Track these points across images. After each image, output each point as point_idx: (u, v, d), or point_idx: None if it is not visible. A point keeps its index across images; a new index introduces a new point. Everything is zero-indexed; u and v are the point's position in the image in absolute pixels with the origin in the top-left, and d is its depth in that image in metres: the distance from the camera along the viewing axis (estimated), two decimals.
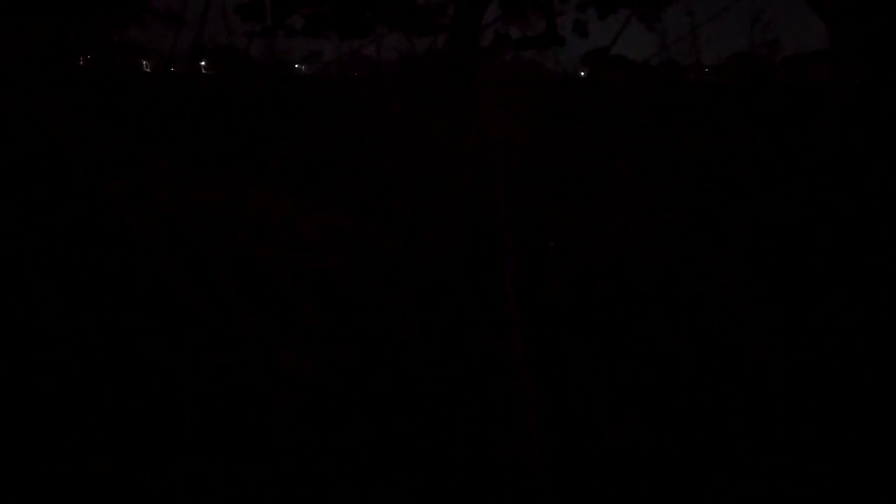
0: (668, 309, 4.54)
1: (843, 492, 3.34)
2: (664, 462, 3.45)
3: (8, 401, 3.66)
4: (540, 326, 4.26)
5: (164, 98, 12.07)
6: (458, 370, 3.98)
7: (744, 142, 7.82)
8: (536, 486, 3.22)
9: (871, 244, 6.04)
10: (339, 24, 17.13)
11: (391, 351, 4.08)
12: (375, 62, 18.72)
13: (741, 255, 5.03)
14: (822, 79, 13.26)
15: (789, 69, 15.90)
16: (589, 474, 3.43)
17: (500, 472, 3.40)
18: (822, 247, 5.58)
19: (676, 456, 3.50)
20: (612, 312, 4.50)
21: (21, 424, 3.53)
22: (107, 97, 11.43)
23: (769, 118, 10.04)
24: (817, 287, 4.95)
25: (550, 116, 8.92)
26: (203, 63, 20.90)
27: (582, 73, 19.31)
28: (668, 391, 3.89)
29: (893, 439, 3.59)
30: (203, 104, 12.12)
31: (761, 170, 6.95)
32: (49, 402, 3.71)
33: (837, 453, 3.52)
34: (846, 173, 7.98)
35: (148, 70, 19.51)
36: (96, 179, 5.12)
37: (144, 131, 7.76)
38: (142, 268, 4.62)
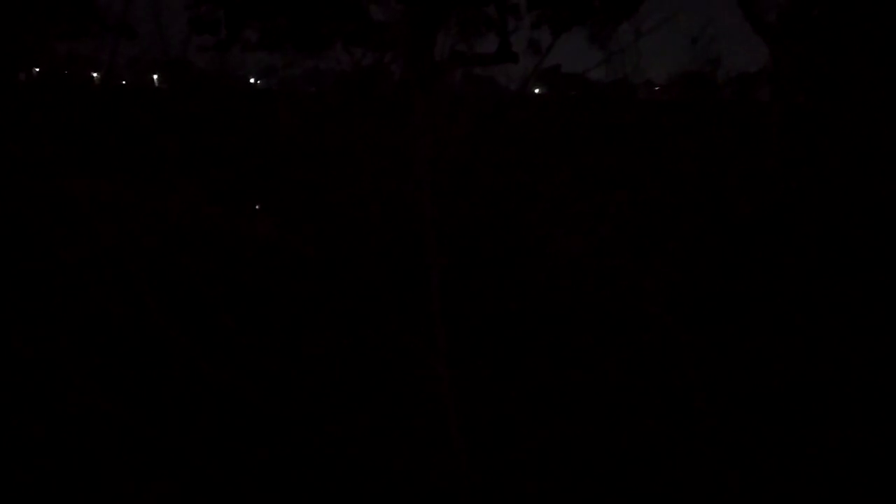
0: (597, 320, 4.59)
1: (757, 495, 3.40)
2: (583, 471, 3.48)
3: None
4: (467, 337, 4.27)
5: (110, 110, 11.89)
6: (382, 381, 3.96)
7: (685, 159, 7.96)
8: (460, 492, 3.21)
9: (804, 260, 6.19)
10: (294, 38, 17.05)
11: (314, 361, 4.05)
12: (333, 76, 18.68)
13: (673, 270, 5.11)
14: (765, 99, 13.61)
15: (733, 88, 16.30)
16: (509, 480, 3.43)
17: (426, 483, 3.37)
18: (754, 263, 5.71)
19: (595, 464, 3.53)
20: (540, 324, 4.53)
21: None
22: (50, 109, 11.22)
23: (712, 136, 10.25)
24: (745, 301, 5.06)
25: (498, 132, 9.00)
26: (155, 76, 20.63)
27: (536, 90, 19.56)
28: (591, 400, 3.93)
29: (809, 445, 3.67)
30: (150, 117, 11.96)
31: (701, 187, 7.10)
32: None
33: (753, 457, 3.58)
34: (784, 190, 8.18)
35: (97, 83, 19.16)
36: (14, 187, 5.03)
37: (75, 142, 7.64)
38: (63, 280, 4.54)
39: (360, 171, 6.85)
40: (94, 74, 20.63)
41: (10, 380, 3.87)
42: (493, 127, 8.46)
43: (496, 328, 4.79)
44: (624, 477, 3.50)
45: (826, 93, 11.79)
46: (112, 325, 4.49)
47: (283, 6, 15.84)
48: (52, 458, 3.43)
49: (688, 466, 3.53)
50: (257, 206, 6.51)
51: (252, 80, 21.59)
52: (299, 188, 7.27)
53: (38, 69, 17.97)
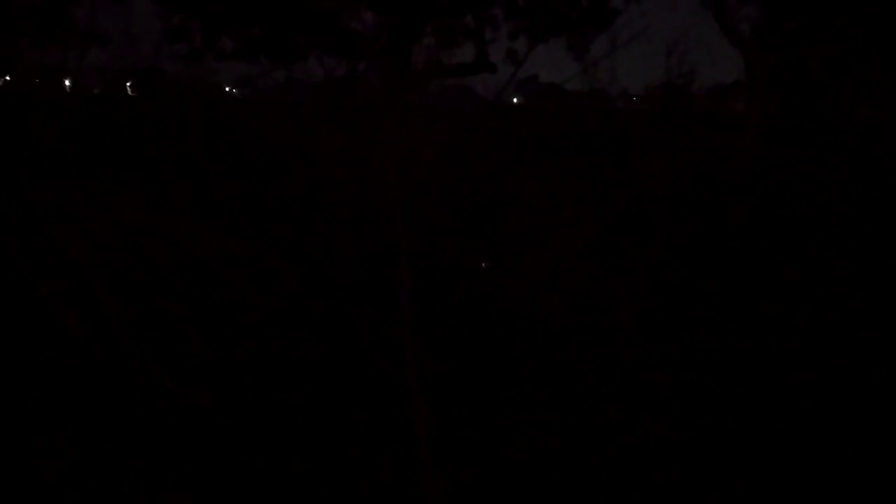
0: (569, 334, 4.53)
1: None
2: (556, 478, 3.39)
3: None
4: (439, 349, 4.18)
5: (80, 119, 11.68)
6: (351, 397, 3.85)
7: (660, 170, 7.95)
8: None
9: (774, 273, 6.18)
10: (269, 48, 16.90)
11: (283, 379, 3.94)
12: (310, 86, 18.57)
13: (645, 284, 5.07)
14: (739, 110, 13.69)
15: (709, 99, 16.39)
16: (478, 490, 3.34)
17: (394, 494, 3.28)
18: (723, 276, 5.69)
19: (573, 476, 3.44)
20: (513, 335, 4.46)
21: None
22: (21, 118, 11.02)
23: (687, 146, 10.28)
24: (717, 309, 5.03)
25: (473, 142, 8.94)
26: (129, 84, 20.38)
27: (514, 100, 19.54)
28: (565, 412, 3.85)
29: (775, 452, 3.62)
30: (121, 126, 11.77)
31: (674, 199, 7.08)
32: None
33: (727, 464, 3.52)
34: (758, 202, 8.19)
35: (69, 91, 18.90)
36: None
37: (42, 150, 7.49)
38: (21, 292, 4.39)
39: (332, 183, 6.76)
40: (67, 83, 20.36)
41: None
42: (468, 137, 8.40)
43: (468, 339, 4.70)
44: (597, 483, 3.42)
45: (801, 103, 11.87)
46: (70, 340, 4.34)
47: (257, 16, 15.70)
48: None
49: (660, 471, 3.46)
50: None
51: (227, 89, 21.40)
52: (270, 200, 7.15)
53: (7, 78, 17.70)
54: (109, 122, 12.19)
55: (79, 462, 3.47)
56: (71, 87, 18.39)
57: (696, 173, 8.94)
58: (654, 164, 8.29)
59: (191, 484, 3.31)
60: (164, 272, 4.83)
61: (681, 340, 4.46)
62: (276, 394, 4.10)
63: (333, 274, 5.30)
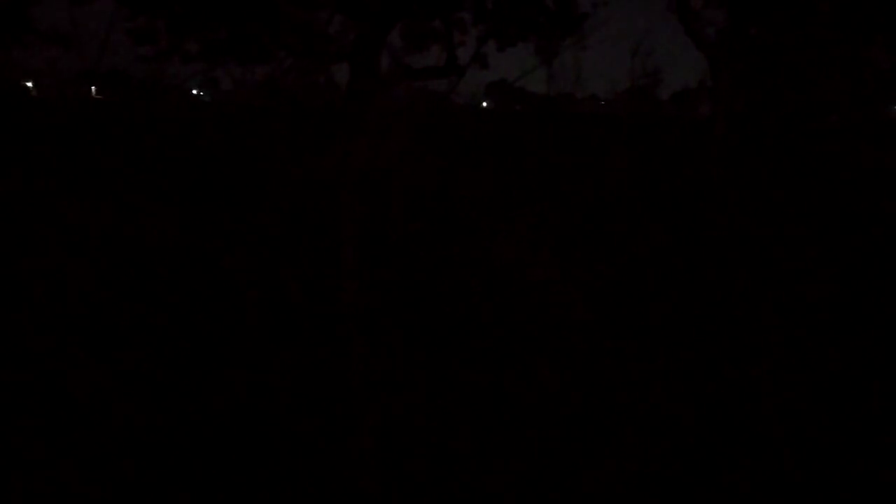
0: (526, 324, 4.51)
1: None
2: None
3: None
4: (386, 347, 4.14)
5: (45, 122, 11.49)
6: (296, 393, 3.81)
7: (626, 172, 7.99)
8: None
9: (739, 271, 6.24)
10: (235, 50, 16.72)
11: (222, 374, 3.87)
12: (276, 88, 18.43)
13: (607, 279, 5.08)
14: (704, 113, 13.86)
15: (676, 103, 16.54)
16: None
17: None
18: (686, 273, 5.72)
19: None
20: (471, 328, 4.43)
21: None
22: None
23: (653, 148, 10.36)
24: (675, 310, 5.05)
25: (440, 144, 8.92)
26: (94, 87, 20.03)
27: (484, 104, 19.54)
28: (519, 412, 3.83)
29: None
30: (84, 127, 11.58)
31: (639, 199, 7.11)
32: None
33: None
34: (723, 202, 8.26)
35: (34, 93, 18.56)
36: None
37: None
38: None
39: (290, 182, 6.69)
40: (29, 84, 19.98)
41: None
42: (433, 139, 8.37)
43: (426, 332, 4.68)
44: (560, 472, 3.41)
45: (763, 106, 12.05)
46: None
47: (224, 17, 15.54)
48: None
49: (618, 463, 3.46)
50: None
51: (194, 92, 21.16)
52: (228, 197, 7.07)
53: None
54: (75, 126, 11.99)
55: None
56: (33, 89, 18.06)
57: (658, 173, 9.01)
58: (615, 163, 8.34)
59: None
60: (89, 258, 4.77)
61: (638, 331, 4.48)
62: (217, 394, 4.05)
63: (284, 268, 5.25)
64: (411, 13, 15.66)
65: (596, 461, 3.54)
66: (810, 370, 4.33)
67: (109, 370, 3.84)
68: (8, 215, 6.36)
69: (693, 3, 13.24)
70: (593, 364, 4.23)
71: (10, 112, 12.84)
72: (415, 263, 5.79)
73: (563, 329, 4.67)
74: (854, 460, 3.63)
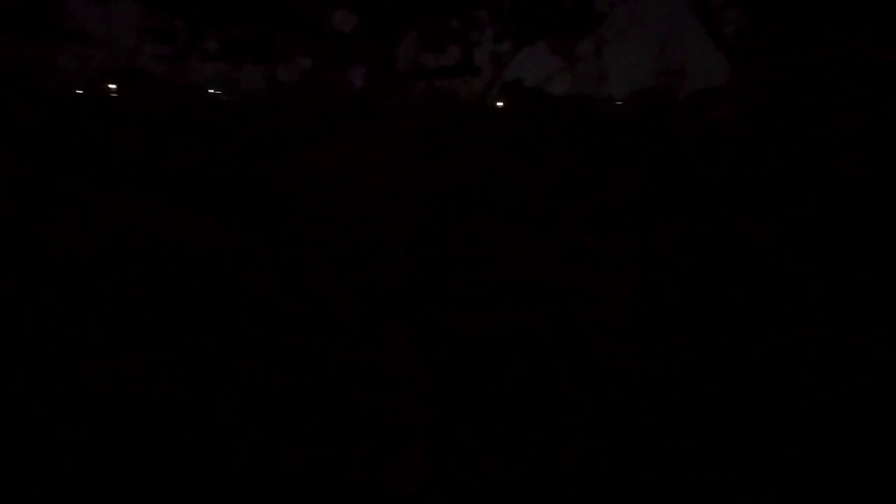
0: (561, 331, 4.49)
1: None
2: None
3: None
4: (435, 348, 4.14)
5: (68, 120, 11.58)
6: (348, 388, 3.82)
7: (644, 171, 7.94)
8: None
9: (764, 269, 6.18)
10: (252, 48, 16.80)
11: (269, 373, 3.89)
12: (292, 87, 18.51)
13: (638, 279, 5.06)
14: (722, 114, 13.78)
15: (693, 104, 16.47)
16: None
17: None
18: (714, 272, 5.68)
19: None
20: (505, 337, 4.42)
21: None
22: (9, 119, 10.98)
23: (671, 149, 10.28)
24: (705, 308, 5.01)
25: (461, 144, 8.89)
26: (112, 86, 20.20)
27: (499, 104, 19.49)
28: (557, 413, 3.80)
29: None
30: (107, 125, 11.66)
31: (659, 199, 7.06)
32: None
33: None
34: (740, 203, 8.19)
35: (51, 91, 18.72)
36: None
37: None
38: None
39: (318, 183, 6.71)
40: (47, 83, 20.17)
41: None
42: (451, 140, 8.35)
43: (462, 339, 4.67)
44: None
45: (783, 108, 11.93)
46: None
47: (241, 16, 15.60)
48: None
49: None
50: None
51: (210, 91, 21.25)
52: (255, 198, 7.10)
53: None
54: (93, 124, 12.05)
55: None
56: (53, 87, 18.22)
57: (676, 174, 8.93)
58: (632, 163, 8.29)
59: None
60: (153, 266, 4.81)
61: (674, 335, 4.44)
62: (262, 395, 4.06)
63: (324, 272, 5.27)
64: (427, 12, 15.66)
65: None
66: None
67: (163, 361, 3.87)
68: (36, 211, 6.42)
69: (713, 2, 13.15)
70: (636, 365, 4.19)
71: (32, 110, 12.93)
72: (427, 263, 5.77)
73: (586, 333, 4.64)
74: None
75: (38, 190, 7.38)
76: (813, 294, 5.70)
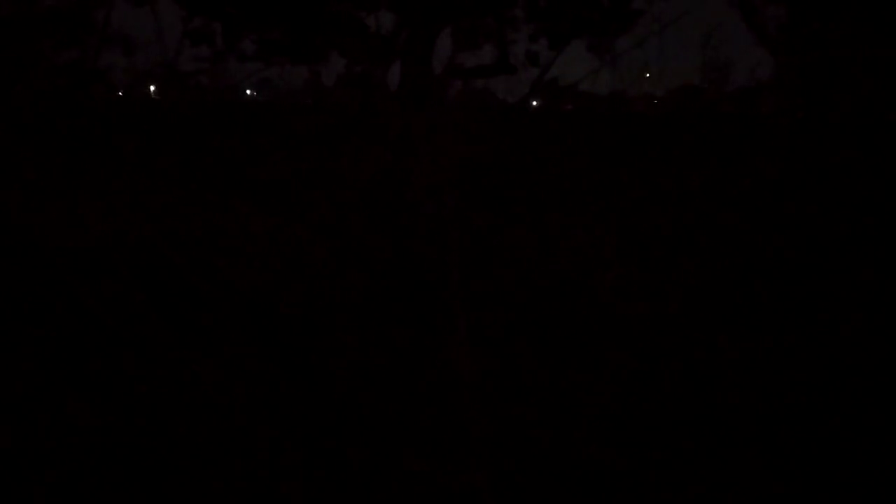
0: (611, 326, 4.45)
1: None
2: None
3: None
4: (485, 340, 4.14)
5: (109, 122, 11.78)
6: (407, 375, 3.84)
7: (688, 171, 7.84)
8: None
9: (814, 266, 6.06)
10: (290, 49, 16.92)
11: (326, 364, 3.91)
12: (328, 89, 18.61)
13: (685, 277, 4.99)
14: (767, 111, 13.53)
15: (737, 100, 16.18)
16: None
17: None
18: (762, 269, 5.58)
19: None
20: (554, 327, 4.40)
21: None
22: (54, 120, 11.18)
23: (713, 147, 10.13)
24: (759, 306, 4.92)
25: (500, 142, 8.88)
26: (152, 88, 20.49)
27: (534, 103, 19.35)
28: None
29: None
30: (152, 128, 11.84)
31: (704, 198, 6.97)
32: None
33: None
34: (787, 203, 8.05)
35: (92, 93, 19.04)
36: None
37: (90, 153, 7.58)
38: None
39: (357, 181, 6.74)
40: (90, 85, 20.52)
41: None
42: (494, 139, 8.33)
43: (514, 325, 4.66)
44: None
45: (830, 104, 11.70)
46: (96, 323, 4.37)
47: (278, 17, 15.72)
48: None
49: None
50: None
51: (248, 92, 21.47)
52: (297, 196, 7.17)
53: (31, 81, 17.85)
54: (134, 125, 12.25)
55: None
56: (97, 89, 18.53)
57: (720, 172, 8.80)
58: (674, 161, 8.19)
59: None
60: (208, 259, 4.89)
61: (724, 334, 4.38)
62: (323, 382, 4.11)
63: (374, 261, 5.30)
64: (464, 10, 15.63)
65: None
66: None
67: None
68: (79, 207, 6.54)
69: None
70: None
71: (77, 112, 13.19)
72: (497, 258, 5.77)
73: (635, 328, 4.59)
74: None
75: (82, 190, 7.50)
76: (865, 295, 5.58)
